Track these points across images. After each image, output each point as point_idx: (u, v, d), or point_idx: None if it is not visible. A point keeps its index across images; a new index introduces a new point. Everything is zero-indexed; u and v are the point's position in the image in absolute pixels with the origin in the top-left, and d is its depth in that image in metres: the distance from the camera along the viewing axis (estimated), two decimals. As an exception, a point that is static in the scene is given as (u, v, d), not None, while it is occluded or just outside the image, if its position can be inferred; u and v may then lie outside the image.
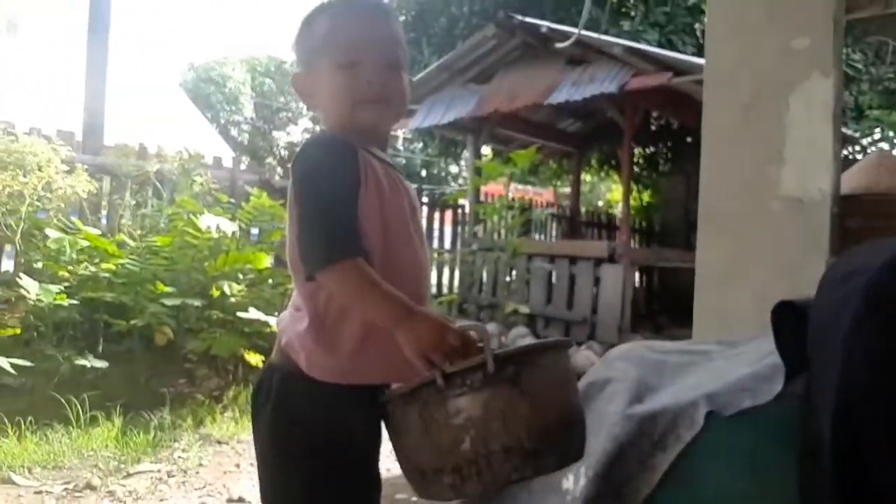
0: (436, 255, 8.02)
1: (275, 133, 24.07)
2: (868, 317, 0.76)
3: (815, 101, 2.57)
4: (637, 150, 10.84)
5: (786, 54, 2.64)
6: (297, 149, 1.18)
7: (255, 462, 1.22)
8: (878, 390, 0.74)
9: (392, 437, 1.11)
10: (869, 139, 9.36)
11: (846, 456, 0.79)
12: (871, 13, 5.58)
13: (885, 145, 9.76)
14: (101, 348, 3.95)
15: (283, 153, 23.14)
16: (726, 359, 1.53)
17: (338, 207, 1.10)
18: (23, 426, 3.04)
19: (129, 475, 2.84)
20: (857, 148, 9.14)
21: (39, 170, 4.06)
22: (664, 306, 8.60)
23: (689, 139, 9.73)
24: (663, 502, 1.28)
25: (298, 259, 1.14)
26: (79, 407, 3.21)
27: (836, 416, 0.79)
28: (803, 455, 1.11)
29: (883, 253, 0.79)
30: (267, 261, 4.34)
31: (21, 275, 3.80)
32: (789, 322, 1.20)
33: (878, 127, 8.99)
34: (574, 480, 1.39)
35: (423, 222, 3.68)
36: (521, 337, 6.26)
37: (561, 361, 1.11)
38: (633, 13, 10.44)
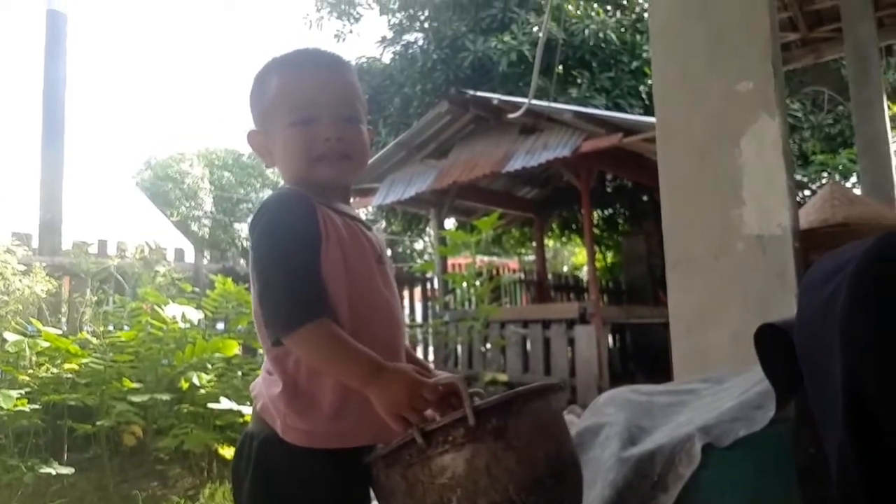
0: (408, 329, 7.95)
1: (236, 225, 24.02)
2: (861, 303, 0.75)
3: (766, 141, 2.64)
4: (596, 213, 11.06)
5: (732, 98, 2.74)
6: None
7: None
8: (886, 377, 0.72)
9: (379, 500, 1.06)
10: (817, 184, 9.69)
11: (862, 452, 0.77)
12: (804, 63, 5.90)
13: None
14: (66, 455, 3.76)
15: (245, 244, 23.04)
16: (714, 394, 1.51)
17: (299, 267, 1.07)
18: (-15, 544, 2.86)
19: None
20: (807, 193, 9.45)
21: (-5, 272, 3.97)
22: (639, 364, 8.59)
23: (644, 198, 9.97)
24: (670, 545, 1.24)
25: (262, 323, 1.10)
26: (46, 518, 3.04)
27: (846, 411, 0.77)
28: (803, 473, 1.08)
29: (860, 247, 0.79)
30: (236, 348, 4.23)
31: (-22, 383, 3.64)
32: (773, 345, 1.19)
33: (824, 171, 9.34)
34: (576, 534, 1.34)
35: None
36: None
37: (549, 407, 1.06)
38: (579, 80, 10.81)
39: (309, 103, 1.17)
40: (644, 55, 10.82)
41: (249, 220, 1.16)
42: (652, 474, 1.28)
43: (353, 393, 1.06)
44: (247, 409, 3.70)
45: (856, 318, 0.77)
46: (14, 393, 3.50)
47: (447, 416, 0.98)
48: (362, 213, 15.23)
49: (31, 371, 3.85)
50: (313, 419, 1.08)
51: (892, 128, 5.84)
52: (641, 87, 10.83)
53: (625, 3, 12.61)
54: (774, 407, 1.19)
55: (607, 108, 9.65)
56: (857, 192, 5.03)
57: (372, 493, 1.11)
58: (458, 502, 0.95)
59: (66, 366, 3.87)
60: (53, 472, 3.35)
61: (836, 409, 0.81)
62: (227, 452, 3.76)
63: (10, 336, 3.87)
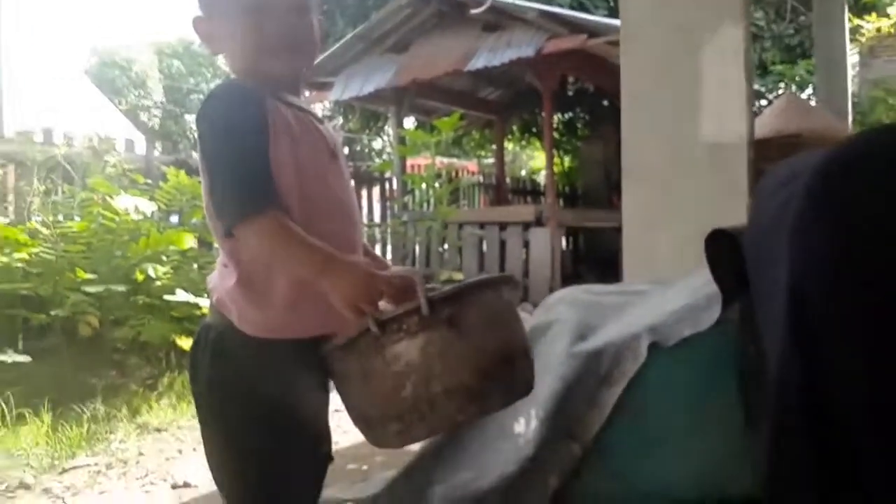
0: (366, 228, 7.96)
1: (187, 116, 23.24)
2: (814, 211, 0.79)
3: (727, 50, 2.65)
4: (556, 117, 10.99)
5: (697, 6, 2.72)
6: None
7: (197, 447, 1.19)
8: (832, 286, 0.77)
9: (337, 388, 1.10)
10: (774, 94, 9.76)
11: (800, 360, 0.82)
12: (772, -31, 5.81)
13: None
14: (20, 344, 3.75)
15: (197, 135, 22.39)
16: (662, 295, 1.58)
17: (247, 160, 1.06)
18: (-57, 429, 2.88)
19: (64, 471, 2.73)
20: (764, 102, 9.52)
21: (-64, 158, 3.81)
22: (591, 266, 8.80)
23: (605, 102, 9.93)
24: (614, 437, 1.32)
25: (213, 215, 1.11)
26: (3, 406, 3.06)
27: (789, 317, 0.82)
28: (745, 375, 1.16)
29: (814, 157, 0.82)
30: (191, 241, 4.20)
31: (-74, 271, 3.57)
32: (722, 250, 1.24)
33: (781, 81, 9.39)
34: (525, 423, 1.42)
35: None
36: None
37: (501, 298, 1.09)
38: (545, -22, 10.48)
39: None
40: (613, -47, 10.51)
41: (197, 112, 1.14)
42: (599, 369, 1.35)
43: (309, 284, 1.07)
44: (204, 302, 3.72)
45: (807, 224, 0.80)
46: (-37, 282, 3.45)
47: (401, 306, 1.01)
48: (318, 109, 14.86)
49: (-22, 261, 3.78)
50: (268, 310, 1.09)
51: (851, 40, 5.87)
52: (608, -12, 10.57)
53: None
54: (720, 309, 1.25)
55: (572, 8, 9.43)
56: (813, 103, 5.10)
57: (330, 384, 1.15)
58: (413, 388, 0.98)
59: (16, 255, 3.80)
60: (9, 360, 3.35)
61: (779, 312, 0.85)
62: (185, 343, 3.80)
63: (-44, 224, 3.78)
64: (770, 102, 9.35)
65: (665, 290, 1.63)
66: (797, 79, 9.13)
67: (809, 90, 8.98)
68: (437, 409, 0.98)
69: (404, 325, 0.98)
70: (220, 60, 21.57)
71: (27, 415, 3.09)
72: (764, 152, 2.65)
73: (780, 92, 8.98)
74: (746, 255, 1.10)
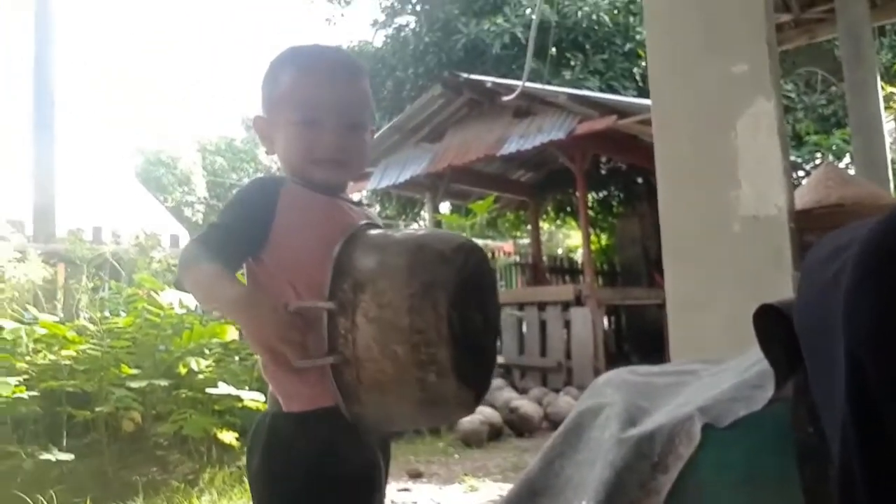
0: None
1: (230, 210, 23.95)
2: (866, 282, 0.75)
3: (761, 123, 2.65)
4: (591, 195, 11.06)
5: (727, 80, 2.74)
6: None
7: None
8: (892, 355, 0.73)
9: (393, 430, 1.16)
10: (811, 164, 9.70)
11: (864, 433, 0.77)
12: (797, 44, 5.89)
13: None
14: (65, 441, 3.77)
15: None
16: (713, 375, 1.52)
17: (221, 231, 1.12)
18: (-13, 531, 2.87)
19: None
20: (801, 173, 9.46)
21: (-9, 260, 3.96)
22: (634, 346, 8.65)
23: (639, 180, 9.97)
24: (669, 524, 1.25)
25: None
26: (45, 504, 3.05)
27: (849, 390, 0.77)
28: (803, 454, 1.09)
29: (862, 227, 0.79)
30: (233, 333, 4.24)
31: (-24, 371, 3.63)
32: (773, 325, 1.20)
33: (818, 152, 9.34)
34: (576, 513, 1.35)
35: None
36: (498, 389, 6.21)
37: (366, 236, 1.09)
38: (573, 63, 10.78)
39: (316, 105, 1.18)
40: (637, 37, 10.78)
41: None
42: (651, 455, 1.29)
43: None
44: (245, 394, 3.71)
45: (860, 297, 0.77)
46: (12, 380, 3.50)
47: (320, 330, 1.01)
48: (356, 198, 15.21)
49: (28, 358, 3.85)
50: (301, 377, 1.10)
51: (885, 108, 5.85)
52: (635, 69, 10.80)
53: (618, -16, 12.52)
54: (773, 387, 1.20)
55: (601, 91, 9.63)
56: (851, 172, 5.04)
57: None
58: (399, 343, 0.97)
59: (64, 352, 3.87)
60: (53, 459, 3.36)
61: (838, 389, 0.81)
62: (226, 437, 3.78)
63: (7, 323, 3.87)
64: (808, 173, 9.30)
65: (715, 369, 1.57)
66: (833, 148, 9.08)
67: (847, 159, 8.91)
68: (425, 329, 0.97)
69: (340, 329, 0.99)
70: (262, 155, 22.40)
71: (70, 514, 3.07)
72: (806, 224, 2.60)
73: (818, 162, 8.92)
74: (798, 330, 1.06)
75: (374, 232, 1.12)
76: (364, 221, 1.21)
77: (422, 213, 12.86)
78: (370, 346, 0.98)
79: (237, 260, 1.13)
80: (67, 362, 3.86)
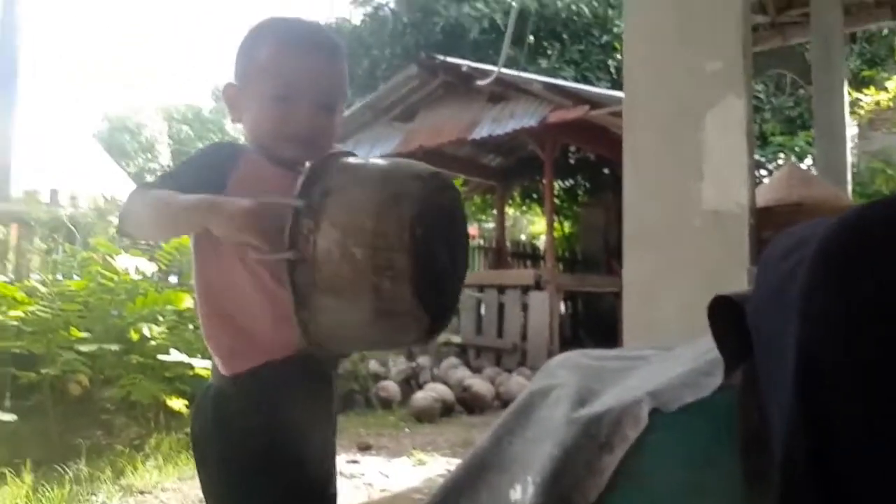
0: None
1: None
2: (826, 276, 0.76)
3: (730, 121, 2.67)
4: (557, 183, 11.12)
5: (700, 77, 2.75)
6: None
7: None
8: (843, 349, 0.74)
9: (344, 344, 1.10)
10: (774, 164, 9.88)
11: (809, 425, 0.78)
12: (771, 45, 5.96)
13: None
14: (8, 402, 3.68)
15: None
16: (664, 361, 1.53)
17: (167, 179, 1.11)
18: (-79, 489, 2.79)
19: (42, 534, 2.64)
20: (764, 172, 9.63)
21: (-61, 214, 3.82)
22: (589, 331, 8.76)
23: (606, 171, 10.05)
24: (613, 503, 1.26)
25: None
26: (-16, 465, 2.98)
27: (797, 382, 0.78)
28: (748, 440, 1.11)
29: (823, 224, 0.80)
30: (188, 301, 4.17)
31: (-79, 326, 3.52)
32: (725, 315, 1.21)
33: (781, 152, 9.50)
34: (522, 490, 1.35)
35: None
36: (452, 367, 6.25)
37: (343, 155, 1.10)
38: (549, 52, 10.78)
39: (292, 81, 1.16)
40: (615, 30, 10.82)
41: None
42: (599, 435, 1.29)
43: (250, 303, 1.09)
44: (197, 362, 3.66)
45: (817, 291, 0.78)
46: (-44, 337, 3.41)
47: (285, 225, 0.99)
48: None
49: (-26, 316, 3.74)
50: (234, 333, 1.10)
51: (850, 113, 5.96)
52: (610, 62, 10.86)
53: (598, -24, 12.55)
54: (722, 375, 1.21)
55: (575, 81, 9.65)
56: (813, 173, 5.14)
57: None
58: (358, 247, 0.96)
59: (12, 313, 3.77)
60: (-6, 419, 3.28)
61: (786, 382, 0.82)
62: (175, 404, 3.73)
63: (-46, 280, 3.76)
64: (770, 173, 9.46)
65: (666, 355, 1.59)
66: (797, 150, 9.25)
67: (809, 160, 9.08)
68: (386, 233, 0.96)
69: (303, 229, 0.97)
70: (229, 126, 22.06)
71: (8, 474, 3.00)
72: (766, 221, 2.64)
73: (781, 162, 9.08)
74: (750, 322, 1.07)
75: (352, 158, 1.11)
76: None
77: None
78: (330, 249, 0.96)
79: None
80: (15, 323, 3.76)
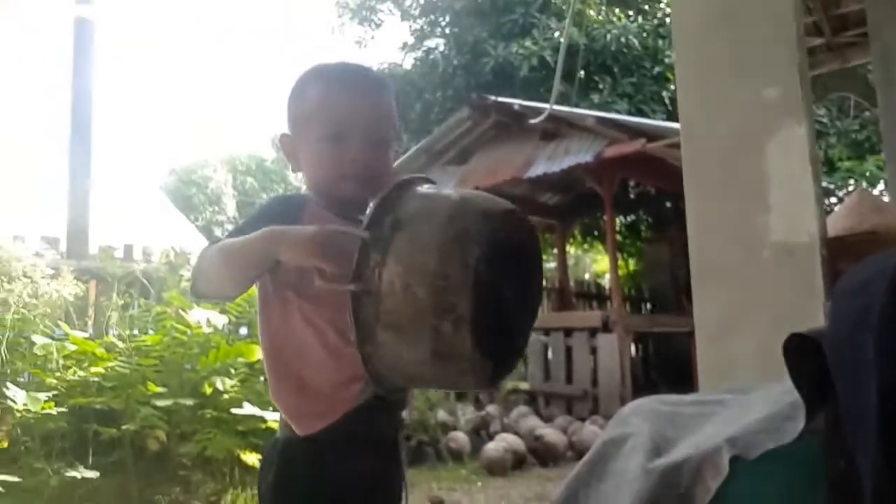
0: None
1: (259, 230, 24.16)
2: None
3: (792, 148, 2.61)
4: (619, 219, 11.00)
5: (758, 105, 2.71)
6: None
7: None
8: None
9: (402, 379, 1.07)
10: (843, 191, 9.55)
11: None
12: (830, 68, 5.82)
13: (859, 194, 9.96)
14: (91, 459, 3.80)
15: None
16: (741, 405, 1.49)
17: (235, 234, 1.12)
18: (12, 547, 2.89)
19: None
20: (833, 200, 9.32)
21: (24, 276, 4.02)
22: (662, 374, 8.52)
23: (668, 204, 9.89)
24: (696, 559, 1.22)
25: None
26: (70, 523, 3.07)
27: (880, 424, 0.76)
28: (835, 489, 1.06)
29: (894, 256, 0.78)
30: (258, 353, 4.26)
31: (7, 385, 3.69)
32: (802, 355, 1.17)
33: (850, 178, 9.19)
34: (601, 546, 1.32)
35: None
36: (523, 416, 6.14)
37: (415, 186, 1.07)
38: (601, 86, 10.79)
39: (343, 121, 1.18)
40: (666, 60, 10.76)
41: None
42: (679, 486, 1.26)
43: (320, 361, 1.11)
44: (269, 415, 3.71)
45: (892, 329, 0.76)
46: (42, 396, 3.55)
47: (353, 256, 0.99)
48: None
49: (58, 374, 3.90)
50: (304, 393, 1.12)
51: (922, 134, 5.72)
52: (664, 93, 10.78)
53: (647, 7, 12.56)
54: (804, 419, 1.17)
55: (629, 114, 9.61)
56: (885, 199, 4.95)
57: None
58: (422, 286, 0.95)
59: (93, 369, 3.91)
60: (79, 476, 3.39)
61: (869, 423, 0.79)
62: (249, 458, 3.78)
63: (39, 339, 3.93)
64: (840, 200, 9.15)
65: (745, 399, 1.54)
66: (867, 175, 8.93)
67: (881, 186, 8.75)
68: (450, 274, 0.95)
69: (370, 263, 0.97)
70: (291, 176, 22.67)
71: (93, 533, 3.08)
72: (839, 251, 2.55)
73: (850, 189, 8.78)
74: (829, 360, 1.03)
75: (426, 185, 1.10)
76: None
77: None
78: (394, 283, 0.96)
79: None
80: (96, 379, 3.90)
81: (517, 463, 5.13)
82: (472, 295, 0.96)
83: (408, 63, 13.50)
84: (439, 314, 0.95)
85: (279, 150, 1.40)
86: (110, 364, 3.94)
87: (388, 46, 30.52)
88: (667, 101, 10.63)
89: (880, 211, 2.78)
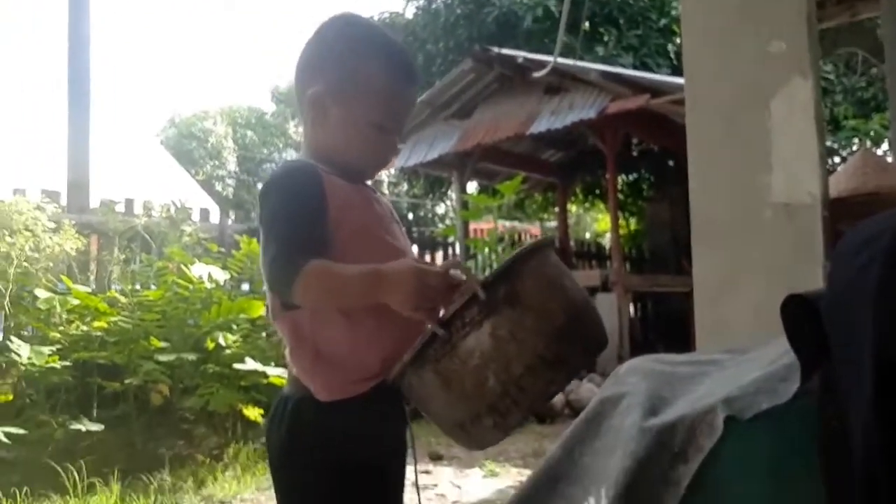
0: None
1: (259, 185, 24.03)
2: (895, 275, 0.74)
3: (797, 105, 2.58)
4: (620, 178, 10.92)
5: (763, 59, 2.66)
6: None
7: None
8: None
9: (420, 406, 1.08)
10: (847, 151, 9.45)
11: (887, 434, 0.76)
12: (839, 21, 5.70)
13: (864, 152, 9.84)
14: (95, 412, 3.85)
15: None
16: (737, 365, 1.49)
17: (299, 230, 1.07)
18: (18, 499, 2.94)
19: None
20: (837, 160, 9.23)
21: (26, 229, 4.02)
22: (660, 333, 8.56)
23: (670, 163, 9.81)
24: (689, 515, 1.24)
25: (269, 288, 1.13)
26: (75, 474, 3.12)
27: (874, 387, 0.76)
28: (828, 449, 1.07)
29: (893, 217, 0.77)
30: (261, 309, 4.28)
31: (11, 338, 3.72)
32: (800, 316, 1.17)
33: (855, 137, 9.08)
34: (595, 502, 1.34)
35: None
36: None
37: (548, 260, 1.08)
38: (606, 38, 10.61)
39: (398, 117, 1.21)
40: (673, 12, 10.56)
41: (261, 187, 1.18)
42: (673, 445, 1.27)
43: (361, 333, 1.10)
44: (271, 370, 3.75)
45: (890, 289, 0.76)
46: (46, 349, 3.58)
47: (457, 299, 0.99)
48: (384, 175, 15.18)
49: (61, 328, 3.93)
50: (350, 373, 1.11)
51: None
52: (670, 46, 10.60)
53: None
54: (799, 380, 1.18)
55: (634, 67, 9.47)
56: (889, 159, 4.91)
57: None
58: (496, 376, 0.96)
59: (96, 324, 3.94)
60: (83, 429, 3.45)
61: (864, 383, 0.80)
62: (252, 413, 3.84)
63: (42, 293, 3.95)
64: (844, 160, 9.06)
65: (741, 359, 1.55)
66: (872, 134, 8.81)
67: (885, 146, 8.66)
68: (525, 389, 0.97)
69: (466, 317, 0.97)
70: (291, 130, 22.46)
71: (97, 484, 3.14)
72: (840, 212, 2.54)
73: (855, 148, 8.69)
74: (826, 322, 1.03)
75: (556, 261, 1.11)
76: (389, 206, 1.25)
77: (449, 192, 12.82)
78: (474, 353, 0.97)
79: (322, 251, 1.08)
80: (99, 334, 3.94)
81: (515, 419, 5.21)
82: (527, 414, 1.01)
83: (409, 12, 13.22)
84: (489, 411, 0.98)
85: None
86: (113, 319, 3.97)
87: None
88: (672, 55, 10.45)
89: (884, 171, 2.75)
